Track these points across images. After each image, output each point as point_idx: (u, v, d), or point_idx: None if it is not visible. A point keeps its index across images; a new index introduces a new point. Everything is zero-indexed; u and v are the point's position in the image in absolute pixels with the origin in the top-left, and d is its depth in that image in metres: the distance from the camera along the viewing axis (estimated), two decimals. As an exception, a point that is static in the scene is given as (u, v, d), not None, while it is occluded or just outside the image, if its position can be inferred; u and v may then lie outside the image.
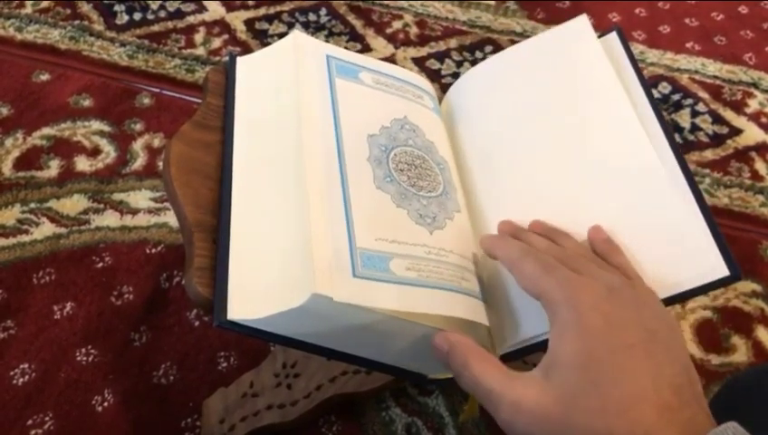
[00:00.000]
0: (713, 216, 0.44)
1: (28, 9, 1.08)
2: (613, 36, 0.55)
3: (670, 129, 0.61)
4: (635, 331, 0.35)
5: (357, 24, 1.12)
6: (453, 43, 1.10)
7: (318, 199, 0.44)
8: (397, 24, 1.13)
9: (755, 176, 0.94)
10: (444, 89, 0.61)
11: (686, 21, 1.18)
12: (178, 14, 1.10)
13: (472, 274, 0.47)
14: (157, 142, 0.91)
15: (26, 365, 0.69)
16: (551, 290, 0.37)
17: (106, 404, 0.68)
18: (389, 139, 0.51)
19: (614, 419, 0.32)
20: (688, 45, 1.13)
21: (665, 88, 1.05)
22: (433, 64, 1.06)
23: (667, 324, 0.37)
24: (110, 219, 0.82)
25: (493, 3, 1.18)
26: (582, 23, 0.56)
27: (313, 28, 1.10)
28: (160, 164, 0.47)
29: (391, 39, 1.10)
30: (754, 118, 1.02)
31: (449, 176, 0.52)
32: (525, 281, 0.40)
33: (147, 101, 0.96)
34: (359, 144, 0.49)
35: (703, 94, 1.04)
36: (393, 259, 0.43)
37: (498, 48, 1.08)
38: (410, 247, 0.44)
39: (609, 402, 0.33)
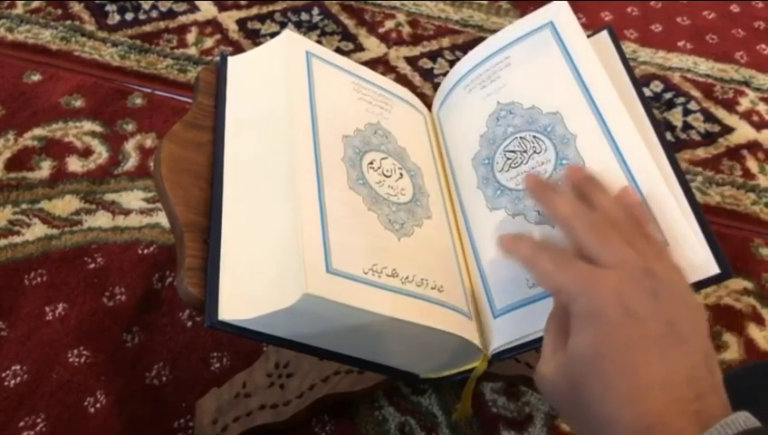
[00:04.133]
0: (703, 213, 0.44)
1: (19, 9, 1.07)
2: (604, 35, 0.55)
3: (662, 127, 0.61)
4: (653, 323, 0.34)
5: (349, 23, 1.12)
6: (445, 42, 1.10)
7: (308, 200, 0.44)
8: (389, 24, 1.13)
9: (747, 174, 0.94)
10: (436, 88, 0.61)
11: (678, 20, 1.18)
12: (170, 14, 1.10)
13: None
14: (149, 142, 0.90)
15: (18, 367, 0.69)
16: (567, 285, 0.37)
17: (98, 405, 0.67)
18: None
19: (617, 408, 0.33)
20: (680, 44, 1.13)
21: (657, 86, 1.05)
22: (426, 63, 1.06)
23: (690, 312, 0.36)
24: (102, 220, 0.81)
25: (485, 2, 1.18)
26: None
27: (306, 28, 1.10)
28: (152, 164, 0.47)
29: (384, 38, 1.10)
30: (746, 116, 1.02)
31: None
32: (541, 278, 0.39)
33: (139, 101, 0.95)
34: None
35: (695, 93, 1.05)
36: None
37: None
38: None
39: (610, 393, 0.34)
